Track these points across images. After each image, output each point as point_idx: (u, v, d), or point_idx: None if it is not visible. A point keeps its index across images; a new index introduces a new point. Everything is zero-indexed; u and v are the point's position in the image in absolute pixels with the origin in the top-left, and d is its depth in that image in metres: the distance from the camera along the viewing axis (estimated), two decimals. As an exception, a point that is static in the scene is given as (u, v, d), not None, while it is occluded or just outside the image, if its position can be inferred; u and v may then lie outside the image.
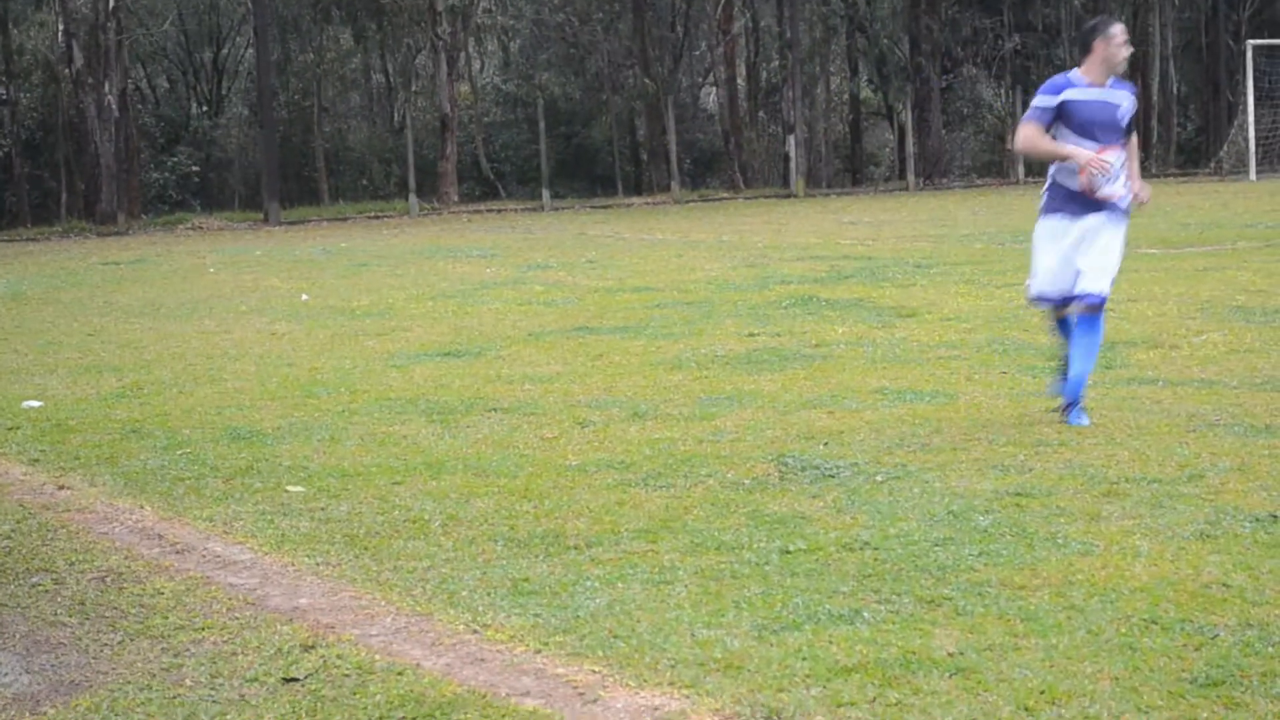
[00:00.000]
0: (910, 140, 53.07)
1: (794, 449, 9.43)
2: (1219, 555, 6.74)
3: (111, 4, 45.26)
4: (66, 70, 46.91)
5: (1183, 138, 54.39)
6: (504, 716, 5.28)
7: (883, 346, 13.79)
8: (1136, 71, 56.07)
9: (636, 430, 10.35)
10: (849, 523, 7.62)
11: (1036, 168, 53.20)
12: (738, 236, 30.14)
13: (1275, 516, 7.31)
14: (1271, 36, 45.97)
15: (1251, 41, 43.75)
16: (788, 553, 7.10)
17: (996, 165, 54.90)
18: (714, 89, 59.82)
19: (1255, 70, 42.28)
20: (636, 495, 8.44)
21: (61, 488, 9.30)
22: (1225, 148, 46.92)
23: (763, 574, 6.79)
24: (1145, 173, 50.90)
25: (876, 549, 7.10)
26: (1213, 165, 47.48)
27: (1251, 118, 42.45)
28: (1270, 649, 5.57)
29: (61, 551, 7.75)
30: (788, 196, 48.61)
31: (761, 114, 58.68)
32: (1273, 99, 45.90)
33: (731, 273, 21.71)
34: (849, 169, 58.75)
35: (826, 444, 9.56)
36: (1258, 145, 42.53)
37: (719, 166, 56.15)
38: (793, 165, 50.62)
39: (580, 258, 25.95)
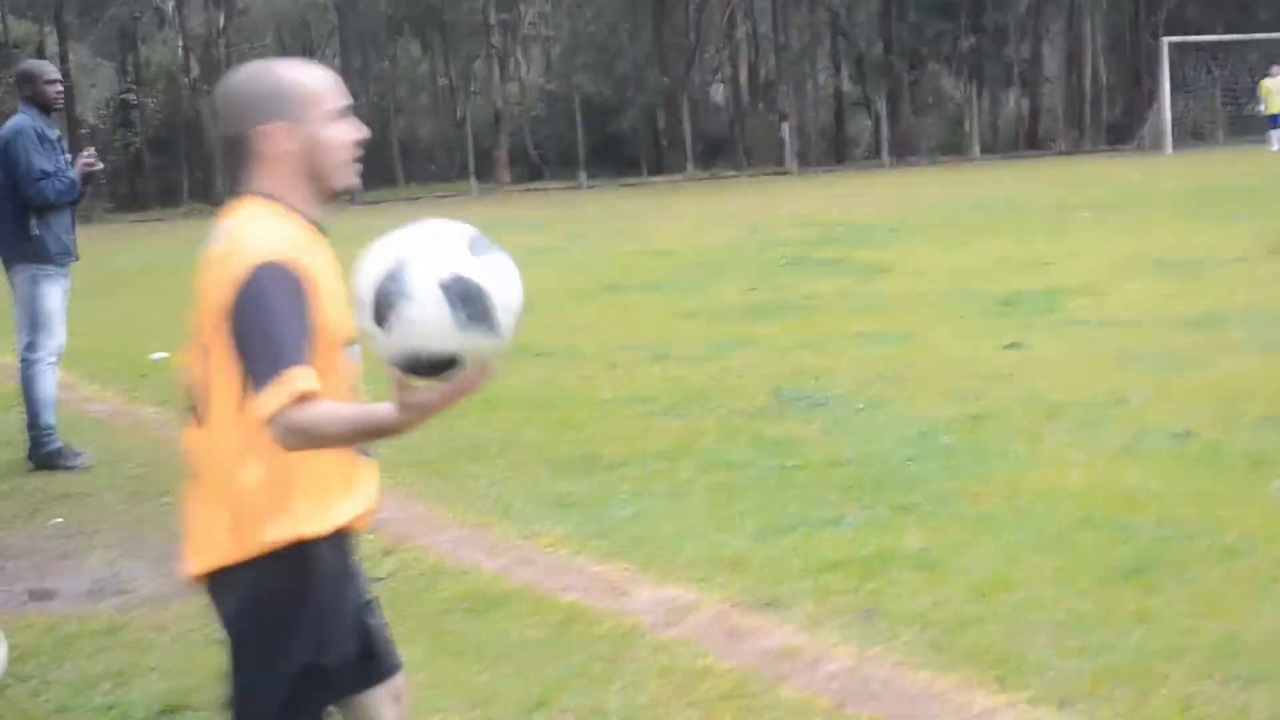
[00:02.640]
0: (884, 126, 52.81)
1: (789, 383, 9.41)
2: (1140, 466, 6.72)
3: (222, 24, 45.31)
4: (185, 79, 46.97)
5: (1109, 119, 54.02)
6: (550, 607, 5.30)
7: (862, 297, 13.74)
8: (1073, 65, 55.66)
9: (658, 370, 10.34)
10: (835, 443, 7.61)
11: (989, 146, 52.91)
12: (742, 209, 30.02)
13: (1188, 433, 7.29)
14: (1183, 35, 45.57)
15: (1166, 39, 43.41)
16: (784, 469, 7.10)
17: (955, 145, 54.42)
18: (721, 85, 59.49)
19: (1170, 63, 42.05)
20: (659, 423, 8.44)
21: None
22: (1145, 127, 46.57)
23: (763, 487, 6.79)
24: (1078, 149, 50.60)
25: (858, 465, 7.09)
26: (1135, 142, 47.14)
27: (1167, 102, 42.23)
28: (1182, 543, 5.56)
29: (186, 476, 7.76)
30: (784, 174, 48.30)
31: (760, 105, 58.20)
32: (1184, 87, 45.76)
33: (737, 238, 21.63)
34: (834, 150, 58.26)
35: (816, 379, 9.55)
36: (1172, 125, 42.34)
37: (726, 150, 55.79)
38: (787, 148, 50.28)
39: (611, 227, 25.86)
